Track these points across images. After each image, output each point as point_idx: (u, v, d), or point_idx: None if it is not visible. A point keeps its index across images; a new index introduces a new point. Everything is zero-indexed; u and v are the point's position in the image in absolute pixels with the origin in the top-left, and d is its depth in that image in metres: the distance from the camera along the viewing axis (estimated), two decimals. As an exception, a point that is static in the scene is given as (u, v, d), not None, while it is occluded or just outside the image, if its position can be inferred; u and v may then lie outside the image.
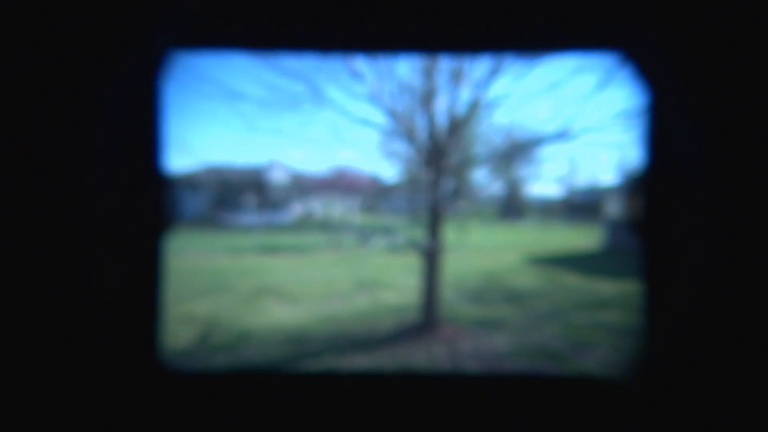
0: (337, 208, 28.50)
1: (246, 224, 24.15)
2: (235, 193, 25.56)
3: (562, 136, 5.97)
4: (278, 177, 27.22)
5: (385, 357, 5.44)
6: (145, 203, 0.77)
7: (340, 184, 28.92)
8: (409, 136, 6.11)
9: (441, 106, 6.04)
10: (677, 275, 0.71)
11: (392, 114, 6.04)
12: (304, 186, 28.73)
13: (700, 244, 0.68)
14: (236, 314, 7.49)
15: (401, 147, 6.02)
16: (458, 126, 6.08)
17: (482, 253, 14.95)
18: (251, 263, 12.93)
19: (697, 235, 0.69)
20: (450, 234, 19.19)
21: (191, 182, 24.39)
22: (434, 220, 6.65)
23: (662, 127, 0.75)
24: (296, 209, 27.82)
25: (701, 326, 0.71)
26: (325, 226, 21.06)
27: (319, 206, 28.82)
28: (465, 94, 6.04)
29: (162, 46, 0.79)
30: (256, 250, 15.44)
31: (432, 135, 6.16)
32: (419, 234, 7.70)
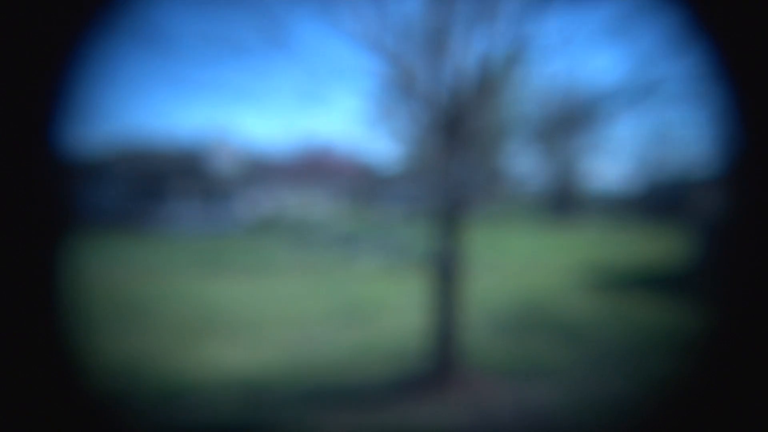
0: (313, 206, 28.46)
1: (180, 227, 24.09)
2: (166, 183, 25.52)
3: (636, 99, 6.00)
4: (226, 160, 27.19)
5: (382, 419, 5.49)
6: (36, 197, 0.74)
7: (316, 170, 28.90)
8: (418, 96, 6.05)
9: (466, 52, 5.95)
10: None
11: (395, 63, 6.00)
12: (263, 173, 28.69)
13: None
14: (168, 359, 7.48)
15: (406, 113, 6.00)
16: (491, 81, 6.04)
17: (522, 268, 15.00)
18: (186, 287, 12.93)
19: None
20: (476, 241, 18.85)
21: (103, 168, 24.35)
22: (452, 222, 6.64)
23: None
24: (253, 208, 27.76)
25: None
26: (298, 232, 21.04)
27: (287, 203, 28.79)
28: (501, 36, 6.00)
29: None
30: (193, 267, 15.43)
31: (453, 95, 6.09)
32: (430, 242, 7.70)
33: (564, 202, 30.88)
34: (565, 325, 9.40)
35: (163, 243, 20.36)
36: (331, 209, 28.63)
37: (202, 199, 26.25)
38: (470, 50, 6.11)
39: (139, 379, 6.73)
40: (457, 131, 6.08)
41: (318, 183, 29.22)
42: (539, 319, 9.87)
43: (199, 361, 7.51)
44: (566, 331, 8.93)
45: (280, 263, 16.16)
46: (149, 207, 25.18)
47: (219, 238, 22.25)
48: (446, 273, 6.67)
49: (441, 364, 6.67)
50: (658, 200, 29.19)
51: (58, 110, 0.87)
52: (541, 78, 7.60)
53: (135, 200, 25.30)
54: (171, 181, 26.13)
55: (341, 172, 28.41)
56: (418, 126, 6.39)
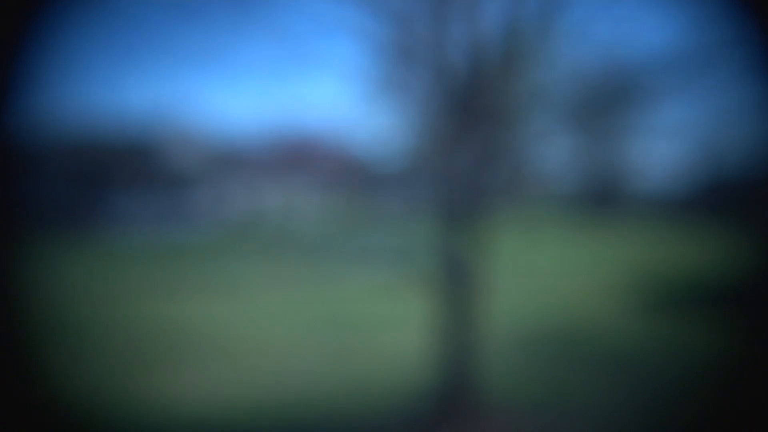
0: (296, 206, 28.47)
1: (133, 231, 24.05)
2: (115, 177, 25.50)
3: (693, 72, 6.00)
4: (188, 148, 27.20)
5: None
6: None
7: (298, 161, 28.94)
8: (427, 63, 6.10)
9: (488, 11, 6.06)
10: None
11: (399, 22, 6.07)
12: (233, 164, 28.71)
13: None
14: (113, 395, 7.47)
15: (412, 85, 5.96)
16: (518, 47, 6.11)
17: (554, 282, 14.98)
18: (140, 307, 12.87)
19: None
20: (497, 248, 18.94)
21: (42, 160, 24.36)
22: (467, 224, 6.69)
23: None
24: (223, 208, 27.77)
25: None
26: (277, 237, 21.07)
27: (264, 201, 28.82)
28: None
29: None
30: (149, 282, 15.40)
31: (471, 63, 6.15)
32: (439, 250, 7.70)
33: (605, 199, 30.75)
34: (607, 352, 9.42)
35: (113, 250, 20.34)
36: (319, 209, 28.60)
37: (159, 196, 26.21)
38: (493, 9, 6.19)
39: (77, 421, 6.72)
40: (474, 107, 6.08)
41: (302, 176, 29.16)
42: (575, 345, 9.89)
43: (151, 398, 7.48)
44: (608, 361, 8.97)
45: (255, 277, 16.13)
46: (96, 205, 25.16)
47: (181, 244, 22.21)
48: (459, 288, 6.71)
49: (452, 399, 6.72)
50: (723, 197, 29.07)
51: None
52: (579, 45, 7.61)
53: (81, 198, 25.28)
54: (121, 174, 26.10)
55: (330, 162, 28.32)
56: (426, 101, 6.37)
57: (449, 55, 6.16)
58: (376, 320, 11.43)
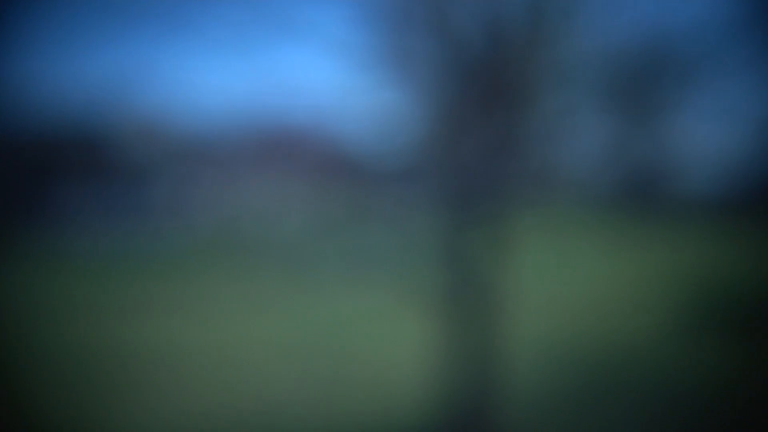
0: (276, 209, 28.48)
1: (78, 238, 24.05)
2: (60, 173, 25.48)
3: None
4: (144, 140, 27.21)
5: None
6: None
7: (279, 156, 28.97)
8: (437, 33, 6.14)
9: None
10: None
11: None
12: (198, 159, 28.73)
13: None
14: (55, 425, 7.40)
15: (415, 62, 5.95)
16: (547, 13, 6.19)
17: (593, 299, 14.94)
18: (86, 332, 12.82)
19: None
20: (523, 257, 18.94)
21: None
22: (485, 227, 6.71)
23: None
24: (187, 210, 27.78)
25: None
26: (252, 248, 21.10)
27: (237, 203, 28.85)
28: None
29: None
30: (93, 296, 15.38)
31: (491, 32, 6.17)
32: (449, 261, 7.68)
33: (646, 197, 30.74)
34: (651, 382, 9.41)
35: (60, 259, 20.33)
36: (303, 210, 28.60)
37: (115, 194, 26.21)
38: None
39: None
40: (491, 85, 6.05)
41: (283, 171, 29.16)
42: (612, 373, 9.96)
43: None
44: (652, 392, 8.95)
45: (227, 294, 16.16)
46: (42, 204, 25.17)
47: (139, 252, 22.17)
48: (474, 306, 6.72)
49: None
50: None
51: None
52: (613, 10, 7.66)
53: (25, 195, 25.30)
54: (71, 167, 26.12)
55: (316, 154, 28.29)
56: (432, 77, 6.36)
57: (462, 20, 6.17)
58: (371, 345, 11.45)
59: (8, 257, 21.11)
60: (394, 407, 8.47)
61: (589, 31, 7.90)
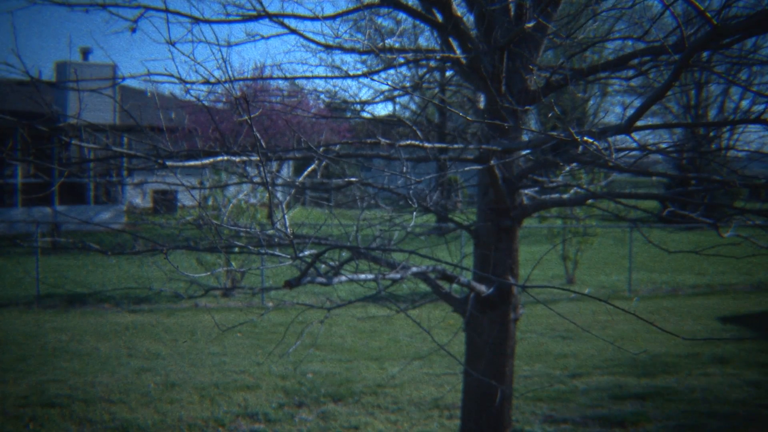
0: (241, 197, 27.23)
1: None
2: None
3: None
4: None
5: None
6: None
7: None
8: None
9: None
10: None
11: None
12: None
13: None
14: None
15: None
16: None
17: (624, 322, 14.19)
18: None
19: None
20: (545, 268, 18.79)
21: None
22: (496, 228, 6.27)
23: None
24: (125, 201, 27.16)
25: None
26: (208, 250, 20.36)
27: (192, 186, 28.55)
28: None
29: None
30: None
31: None
32: (457, 272, 7.12)
33: (703, 197, 30.43)
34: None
35: None
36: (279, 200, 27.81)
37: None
38: None
39: None
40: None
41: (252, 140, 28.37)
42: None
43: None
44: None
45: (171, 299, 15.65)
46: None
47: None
48: (483, 315, 6.39)
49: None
50: None
51: None
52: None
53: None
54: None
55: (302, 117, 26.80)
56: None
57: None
58: (367, 371, 10.82)
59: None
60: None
61: None
